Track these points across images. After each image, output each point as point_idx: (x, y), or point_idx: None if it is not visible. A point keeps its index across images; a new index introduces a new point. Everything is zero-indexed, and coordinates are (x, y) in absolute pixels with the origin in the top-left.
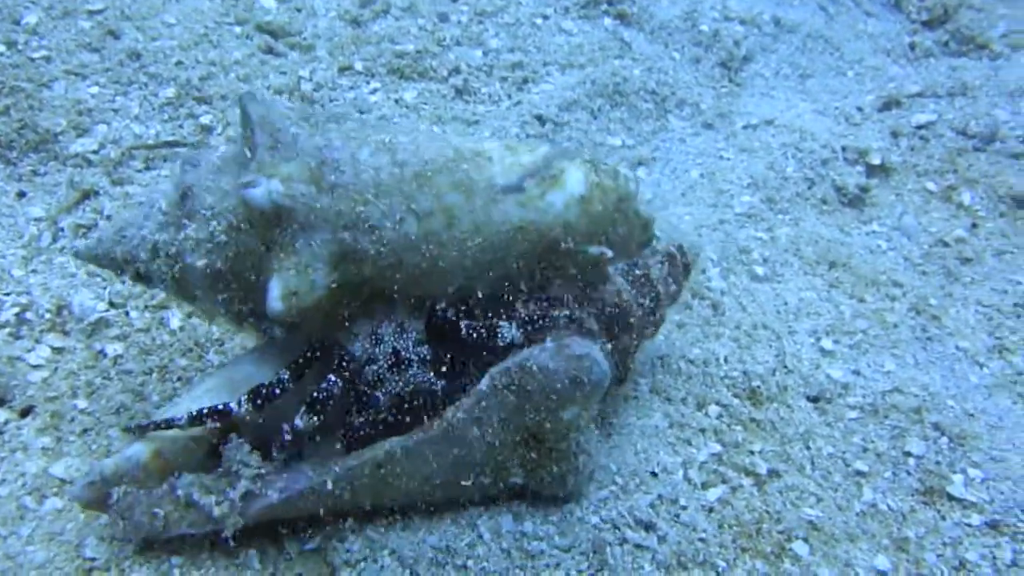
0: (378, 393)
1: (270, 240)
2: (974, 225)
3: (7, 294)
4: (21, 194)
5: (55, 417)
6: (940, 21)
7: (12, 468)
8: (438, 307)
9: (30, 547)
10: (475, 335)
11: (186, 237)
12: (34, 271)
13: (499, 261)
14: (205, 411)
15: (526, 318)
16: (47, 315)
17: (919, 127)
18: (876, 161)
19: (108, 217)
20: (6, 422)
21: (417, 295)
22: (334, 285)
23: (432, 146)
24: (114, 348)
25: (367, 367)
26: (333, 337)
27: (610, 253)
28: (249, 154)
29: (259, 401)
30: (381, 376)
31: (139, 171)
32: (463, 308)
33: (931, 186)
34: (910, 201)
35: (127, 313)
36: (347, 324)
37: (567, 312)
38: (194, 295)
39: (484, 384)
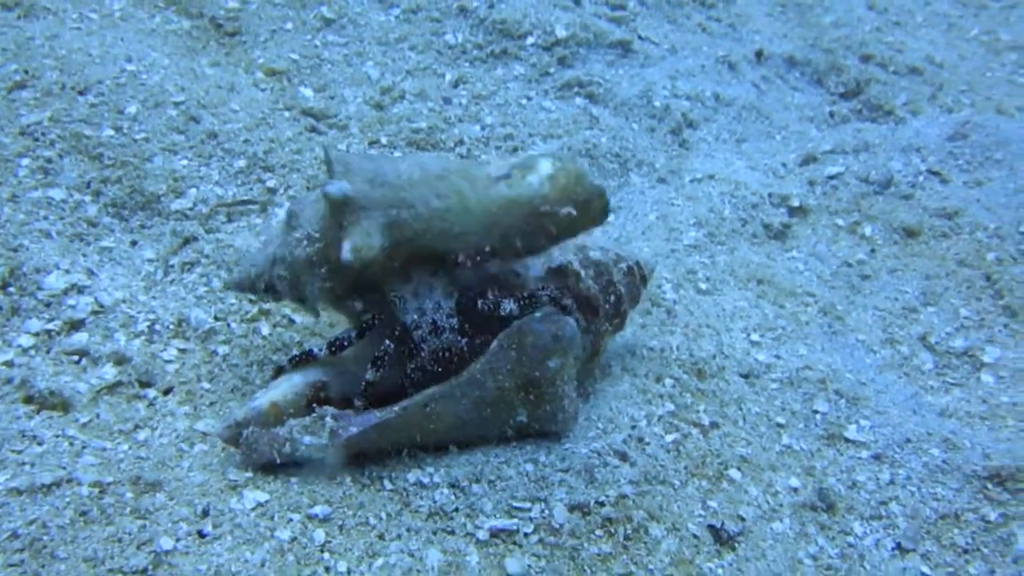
0: (423, 345)
1: (344, 222)
2: (872, 250)
3: (139, 312)
4: (134, 243)
5: (189, 394)
6: (854, 93)
7: (167, 426)
8: (459, 259)
9: (191, 473)
10: (485, 308)
11: (292, 238)
12: (154, 297)
13: (497, 224)
14: (299, 354)
15: (519, 297)
16: (171, 326)
17: (830, 176)
18: (796, 204)
19: (207, 255)
20: (155, 398)
21: (442, 249)
22: (386, 245)
23: (448, 161)
24: (223, 349)
25: (414, 332)
26: (390, 312)
27: (575, 212)
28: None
29: (332, 348)
30: (424, 338)
31: (224, 223)
32: (477, 259)
33: (840, 222)
34: (823, 234)
35: (229, 325)
36: (398, 295)
37: (550, 294)
38: (303, 290)
39: (495, 344)
